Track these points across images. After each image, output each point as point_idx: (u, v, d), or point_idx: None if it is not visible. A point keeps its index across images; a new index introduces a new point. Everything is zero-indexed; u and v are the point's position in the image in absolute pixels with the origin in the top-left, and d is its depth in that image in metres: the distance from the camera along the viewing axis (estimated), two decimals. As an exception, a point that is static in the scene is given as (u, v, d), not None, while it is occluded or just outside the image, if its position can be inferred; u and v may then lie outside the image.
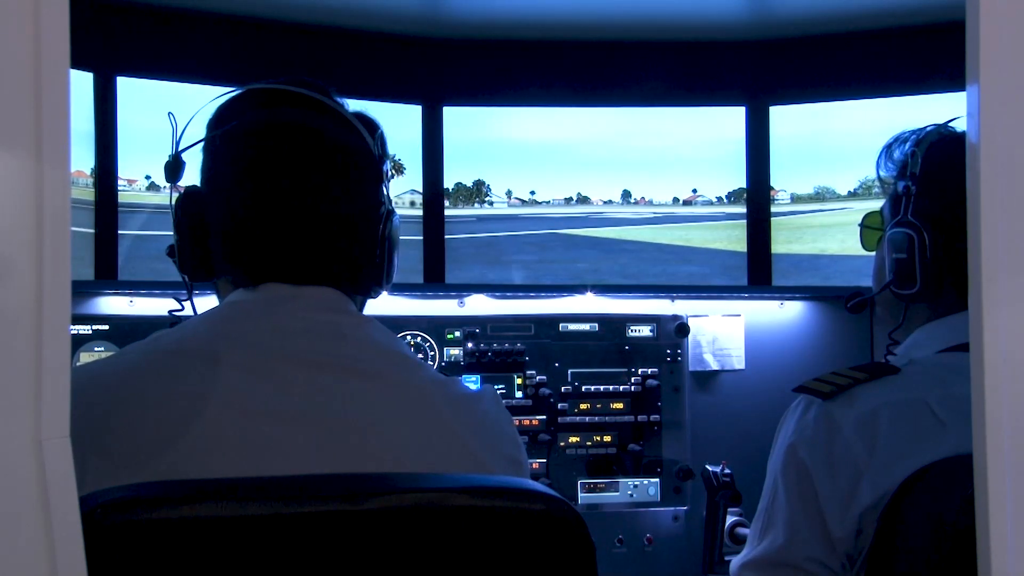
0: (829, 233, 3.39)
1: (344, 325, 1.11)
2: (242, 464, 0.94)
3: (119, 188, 3.01)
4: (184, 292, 1.26)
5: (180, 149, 1.22)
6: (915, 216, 1.34)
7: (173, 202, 1.20)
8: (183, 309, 1.30)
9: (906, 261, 1.34)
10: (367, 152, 1.18)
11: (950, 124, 1.40)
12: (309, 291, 1.13)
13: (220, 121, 1.19)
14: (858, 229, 1.51)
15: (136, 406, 0.97)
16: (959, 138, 1.39)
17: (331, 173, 1.14)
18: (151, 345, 1.06)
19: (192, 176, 1.22)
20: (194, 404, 0.96)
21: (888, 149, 1.45)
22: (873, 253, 1.51)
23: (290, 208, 1.12)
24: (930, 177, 1.35)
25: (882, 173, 1.46)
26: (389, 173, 1.22)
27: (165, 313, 1.36)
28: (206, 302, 1.18)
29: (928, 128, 1.41)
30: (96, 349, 2.05)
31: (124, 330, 2.06)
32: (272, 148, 1.13)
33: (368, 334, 1.12)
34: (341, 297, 1.15)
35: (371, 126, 1.20)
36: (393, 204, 1.23)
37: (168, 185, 1.23)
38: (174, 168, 1.22)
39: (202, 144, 1.19)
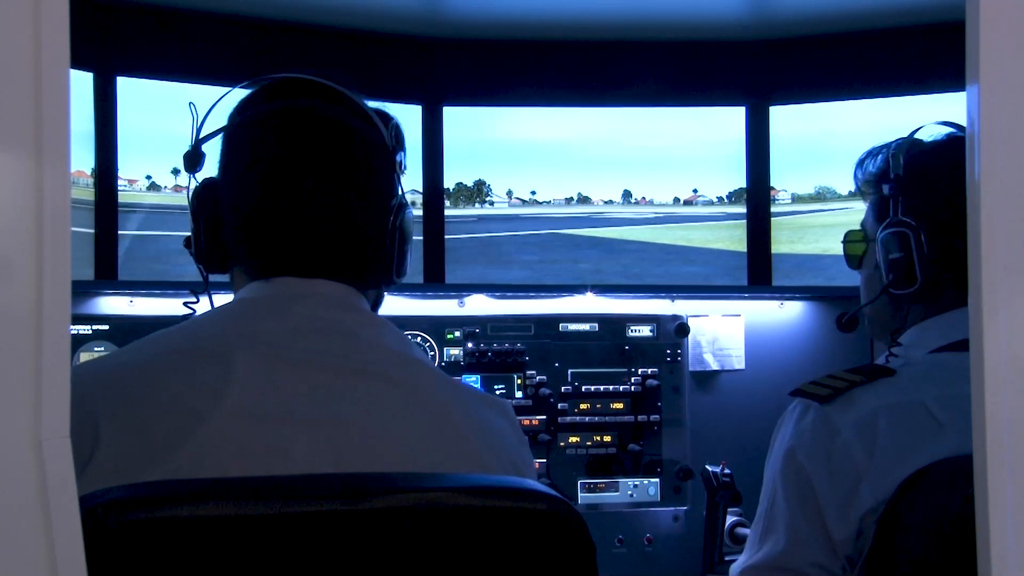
0: (831, 233, 3.40)
1: (357, 326, 1.10)
2: (251, 468, 0.94)
3: (119, 188, 3.01)
4: (187, 290, 1.26)
5: (199, 138, 1.21)
6: (906, 215, 1.34)
7: (190, 193, 1.20)
8: (198, 302, 1.30)
9: (904, 259, 1.33)
10: (380, 142, 1.17)
11: (915, 135, 1.39)
12: (321, 287, 1.12)
13: (238, 111, 1.20)
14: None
15: (145, 407, 0.96)
16: (939, 140, 1.39)
17: (344, 162, 1.14)
18: (162, 342, 1.05)
19: (210, 169, 1.22)
20: (204, 407, 0.95)
21: (861, 164, 1.45)
22: (859, 272, 1.50)
23: (301, 197, 1.12)
24: (917, 176, 1.34)
25: (861, 187, 1.46)
26: (403, 165, 1.22)
27: (165, 313, 1.36)
28: (216, 298, 1.18)
29: (897, 141, 1.40)
30: (96, 349, 2.05)
31: (124, 330, 2.05)
32: (286, 136, 1.13)
33: (382, 339, 1.11)
34: (353, 294, 1.15)
35: (385, 117, 1.20)
36: (406, 197, 1.21)
37: (188, 176, 1.22)
38: (194, 158, 1.22)
39: (221, 135, 1.20)
